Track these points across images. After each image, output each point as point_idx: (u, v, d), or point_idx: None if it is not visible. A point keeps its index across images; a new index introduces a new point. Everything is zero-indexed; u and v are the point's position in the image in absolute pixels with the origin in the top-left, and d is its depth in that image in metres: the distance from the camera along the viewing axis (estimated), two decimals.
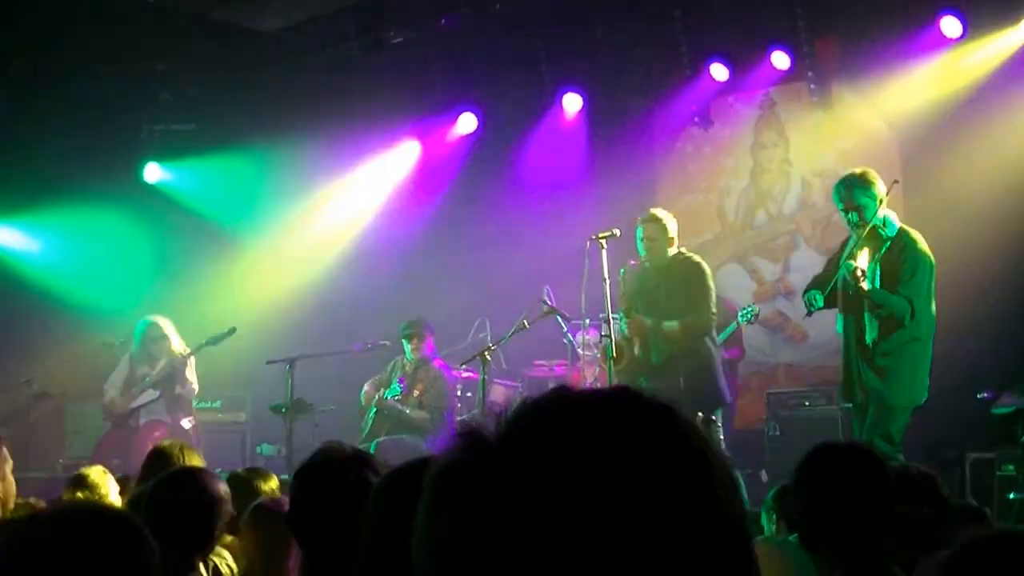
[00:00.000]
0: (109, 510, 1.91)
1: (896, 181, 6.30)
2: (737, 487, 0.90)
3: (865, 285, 5.74)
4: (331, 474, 2.56)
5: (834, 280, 6.00)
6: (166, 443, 4.38)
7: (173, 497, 2.97)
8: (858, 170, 6.11)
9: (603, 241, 6.68)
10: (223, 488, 3.11)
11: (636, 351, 6.70)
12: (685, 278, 6.71)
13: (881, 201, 5.90)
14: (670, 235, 6.72)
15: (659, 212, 6.83)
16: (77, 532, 1.78)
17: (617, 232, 6.75)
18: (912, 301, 5.79)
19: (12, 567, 1.75)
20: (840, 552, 2.66)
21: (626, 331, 6.69)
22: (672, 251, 6.76)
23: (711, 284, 6.78)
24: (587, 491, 0.83)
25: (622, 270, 6.74)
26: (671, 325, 6.61)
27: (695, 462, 0.88)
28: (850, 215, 5.94)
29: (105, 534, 1.78)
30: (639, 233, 6.72)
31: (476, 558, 0.85)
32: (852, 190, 5.90)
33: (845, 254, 6.04)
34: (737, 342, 8.17)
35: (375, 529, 2.03)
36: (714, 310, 6.78)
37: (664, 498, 0.84)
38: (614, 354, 6.58)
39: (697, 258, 6.91)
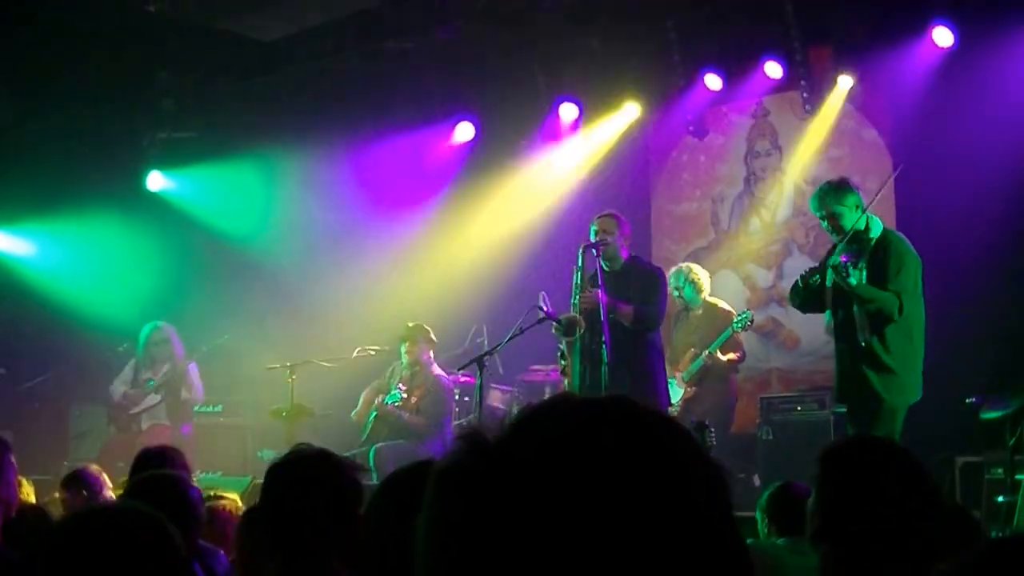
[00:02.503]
0: (137, 508, 1.99)
1: (900, 166, 6.51)
2: (726, 494, 0.93)
3: (851, 280, 5.86)
4: (302, 472, 2.65)
5: (815, 278, 6.12)
6: (152, 448, 4.37)
7: (144, 501, 2.93)
8: (834, 179, 6.31)
9: (596, 249, 6.84)
10: (195, 494, 3.13)
11: (583, 333, 6.82)
12: (641, 280, 6.93)
13: (859, 207, 6.04)
14: (623, 233, 6.94)
15: (614, 212, 7.08)
16: (109, 530, 1.84)
17: (610, 240, 6.90)
18: (900, 295, 5.91)
19: (50, 566, 1.82)
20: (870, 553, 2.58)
21: (578, 304, 6.83)
22: (626, 254, 6.98)
23: (666, 290, 7.10)
24: (579, 494, 0.86)
25: (580, 250, 6.85)
26: (626, 308, 6.78)
27: (685, 470, 0.90)
28: (825, 222, 6.13)
29: (135, 532, 1.85)
30: (593, 228, 6.91)
31: (473, 557, 0.88)
32: (825, 199, 6.08)
33: (832, 257, 6.17)
34: (737, 346, 8.26)
35: (374, 532, 2.08)
36: (663, 311, 7.03)
37: (652, 504, 0.87)
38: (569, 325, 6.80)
39: (654, 265, 7.26)
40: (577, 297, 6.83)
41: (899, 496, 2.60)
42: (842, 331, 6.12)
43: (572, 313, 6.87)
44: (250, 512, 3.33)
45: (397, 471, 2.19)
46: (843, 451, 2.74)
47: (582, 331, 6.78)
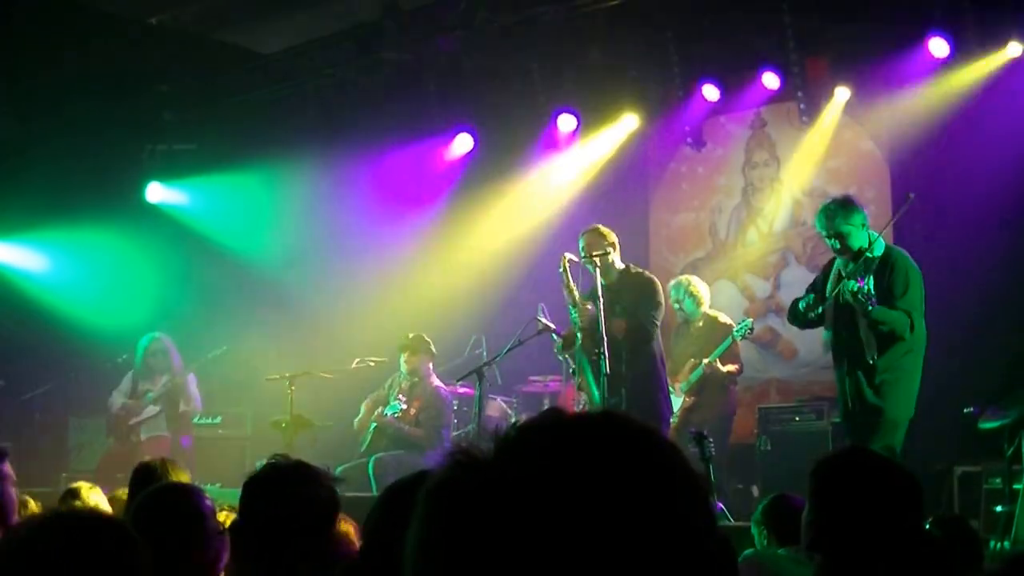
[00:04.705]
0: (102, 516, 1.98)
1: (911, 196, 6.43)
2: (711, 508, 0.95)
3: (868, 306, 5.82)
4: (277, 483, 2.70)
5: (830, 299, 6.10)
6: (152, 460, 4.36)
7: (156, 513, 2.91)
8: (839, 197, 6.28)
9: (596, 259, 6.86)
10: (208, 504, 3.09)
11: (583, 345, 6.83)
12: (636, 290, 6.95)
13: (864, 225, 6.03)
14: (610, 241, 6.94)
15: (598, 225, 7.07)
16: (72, 537, 1.81)
17: (610, 250, 6.93)
18: (911, 314, 5.90)
19: (10, 572, 1.80)
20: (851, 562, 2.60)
21: (577, 321, 6.86)
22: (618, 262, 7.00)
23: (660, 298, 7.06)
24: (566, 511, 0.87)
25: (563, 268, 6.89)
26: (619, 323, 6.80)
27: (672, 486, 0.92)
28: (832, 242, 6.07)
29: (98, 538, 1.82)
30: (581, 244, 6.94)
31: (462, 573, 0.89)
32: (833, 218, 6.01)
33: (832, 275, 6.18)
34: (735, 357, 8.28)
35: (374, 541, 2.13)
36: (657, 319, 6.99)
37: (638, 520, 0.88)
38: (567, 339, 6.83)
39: (648, 273, 7.20)
40: (575, 313, 6.86)
41: (891, 508, 2.61)
42: (847, 349, 6.06)
43: (571, 329, 6.91)
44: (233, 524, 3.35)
45: (397, 482, 2.21)
46: (835, 463, 2.74)
47: (580, 343, 6.80)
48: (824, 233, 6.10)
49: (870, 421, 6.00)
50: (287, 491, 2.67)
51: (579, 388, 7.16)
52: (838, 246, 6.04)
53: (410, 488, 2.10)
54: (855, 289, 5.78)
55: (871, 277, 5.96)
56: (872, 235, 6.08)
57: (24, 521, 2.03)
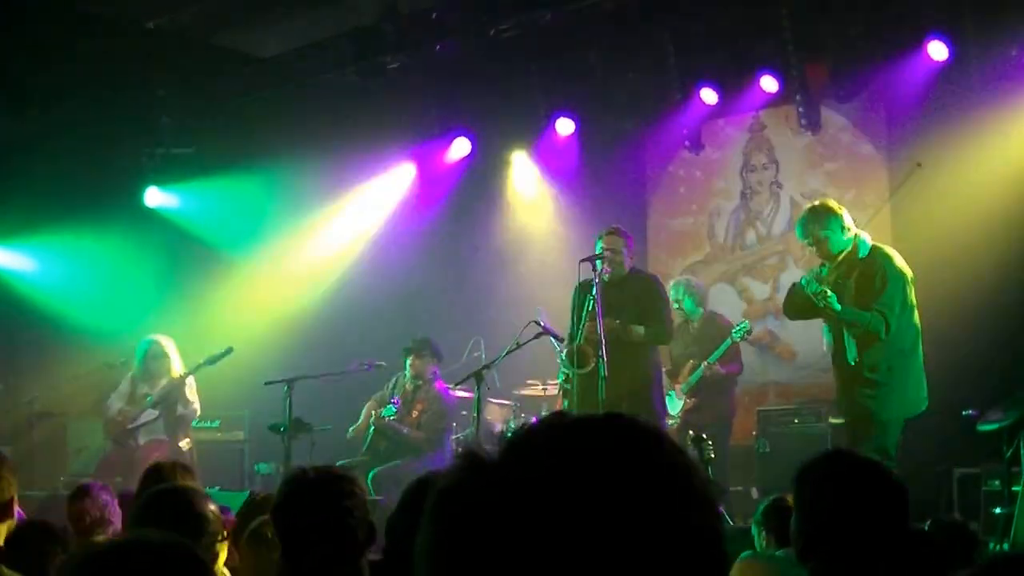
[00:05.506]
0: (171, 540, 1.99)
1: (919, 164, 6.81)
2: (715, 509, 0.96)
3: (833, 304, 5.89)
4: (310, 491, 2.76)
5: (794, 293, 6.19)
6: (163, 462, 4.42)
7: (158, 515, 2.95)
8: (817, 203, 6.40)
9: (608, 260, 6.88)
10: (211, 507, 3.13)
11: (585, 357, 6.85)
12: (642, 292, 6.97)
13: (844, 228, 6.09)
14: (629, 248, 7.01)
15: (619, 226, 7.12)
16: (142, 563, 1.85)
17: (617, 258, 6.95)
18: (885, 314, 5.93)
19: None
20: (839, 566, 2.60)
21: (582, 336, 6.85)
22: (627, 264, 7.04)
23: (667, 298, 7.16)
24: (572, 512, 0.88)
25: (585, 286, 6.91)
26: (637, 329, 6.82)
27: (677, 488, 0.93)
28: (812, 248, 6.24)
29: (170, 564, 1.87)
30: (598, 245, 6.94)
31: (467, 573, 0.90)
32: (809, 225, 6.16)
33: (811, 275, 6.26)
34: (735, 358, 8.26)
35: (396, 544, 2.15)
36: (671, 322, 7.11)
37: (644, 521, 0.89)
38: (576, 359, 6.83)
39: (653, 275, 7.32)
40: (583, 325, 6.83)
41: (875, 511, 2.58)
42: (836, 350, 6.18)
43: (579, 344, 6.86)
44: (257, 529, 3.37)
45: (420, 483, 2.23)
46: (815, 469, 2.72)
47: (593, 365, 6.76)
48: (805, 241, 6.28)
49: (862, 422, 6.04)
50: (313, 502, 2.75)
51: (561, 389, 7.19)
52: (819, 251, 6.18)
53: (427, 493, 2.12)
54: (815, 291, 5.95)
55: (852, 279, 6.03)
56: (858, 237, 6.13)
57: (96, 545, 2.03)
